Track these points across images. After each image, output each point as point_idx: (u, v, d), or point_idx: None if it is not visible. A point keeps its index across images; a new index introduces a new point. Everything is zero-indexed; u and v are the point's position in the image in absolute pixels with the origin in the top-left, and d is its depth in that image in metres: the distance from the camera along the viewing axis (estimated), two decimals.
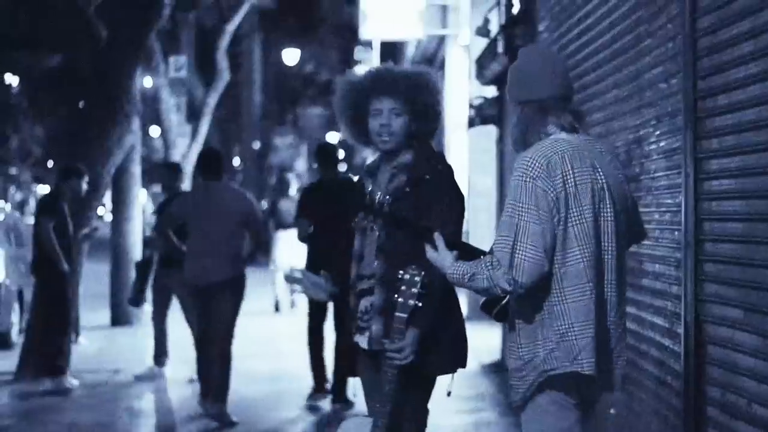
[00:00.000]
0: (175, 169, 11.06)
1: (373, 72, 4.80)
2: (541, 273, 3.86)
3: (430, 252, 4.12)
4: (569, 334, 3.89)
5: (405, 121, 4.69)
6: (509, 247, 3.84)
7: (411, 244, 4.44)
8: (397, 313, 4.35)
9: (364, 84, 4.76)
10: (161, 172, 11.16)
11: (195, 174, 14.46)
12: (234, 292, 8.58)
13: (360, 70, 4.93)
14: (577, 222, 3.91)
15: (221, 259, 8.50)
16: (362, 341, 4.71)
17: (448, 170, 4.71)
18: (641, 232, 4.34)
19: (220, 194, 8.69)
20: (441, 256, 4.09)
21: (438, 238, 4.11)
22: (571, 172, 3.92)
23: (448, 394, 4.54)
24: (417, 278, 4.31)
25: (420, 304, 4.34)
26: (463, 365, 4.68)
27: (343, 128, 4.87)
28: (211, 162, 8.85)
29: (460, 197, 4.66)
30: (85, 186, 10.18)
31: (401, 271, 4.35)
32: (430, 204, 4.58)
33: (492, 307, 4.11)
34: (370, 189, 4.76)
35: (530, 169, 3.90)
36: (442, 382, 4.63)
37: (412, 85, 4.71)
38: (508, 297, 4.03)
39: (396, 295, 4.35)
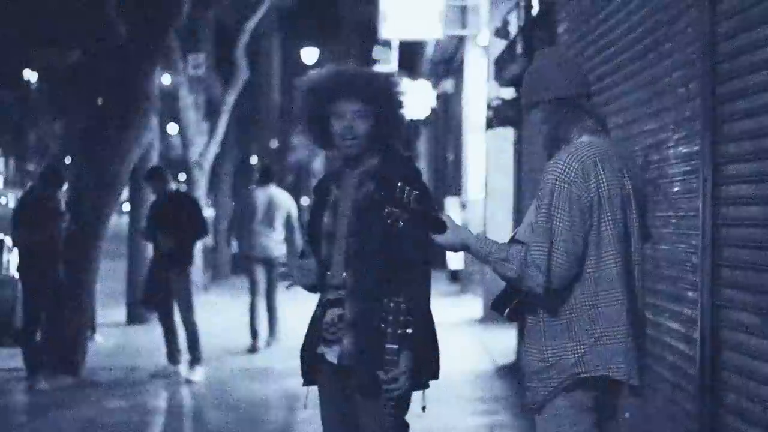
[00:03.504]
0: (160, 174, 11.12)
1: (332, 72, 4.51)
2: (570, 278, 3.88)
3: (440, 237, 4.02)
4: (603, 338, 3.89)
5: (369, 124, 4.42)
6: (545, 254, 3.84)
7: (382, 257, 4.33)
8: (387, 345, 4.19)
9: (324, 84, 4.48)
10: (148, 176, 11.27)
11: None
12: None
13: (322, 71, 4.57)
14: (611, 226, 3.91)
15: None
16: (330, 354, 4.47)
17: (417, 175, 4.46)
18: (648, 234, 4.33)
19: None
20: (457, 232, 4.01)
21: (447, 217, 4.02)
22: (603, 176, 3.92)
23: (423, 409, 4.42)
24: (403, 305, 4.17)
25: (410, 331, 4.19)
26: (436, 377, 4.49)
27: (304, 131, 4.61)
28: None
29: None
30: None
31: (385, 300, 4.18)
32: None
33: (503, 306, 4.10)
34: (334, 194, 4.51)
35: (565, 173, 3.89)
36: (416, 396, 4.45)
37: (374, 88, 4.44)
38: (520, 297, 4.02)
39: (383, 325, 4.18)
